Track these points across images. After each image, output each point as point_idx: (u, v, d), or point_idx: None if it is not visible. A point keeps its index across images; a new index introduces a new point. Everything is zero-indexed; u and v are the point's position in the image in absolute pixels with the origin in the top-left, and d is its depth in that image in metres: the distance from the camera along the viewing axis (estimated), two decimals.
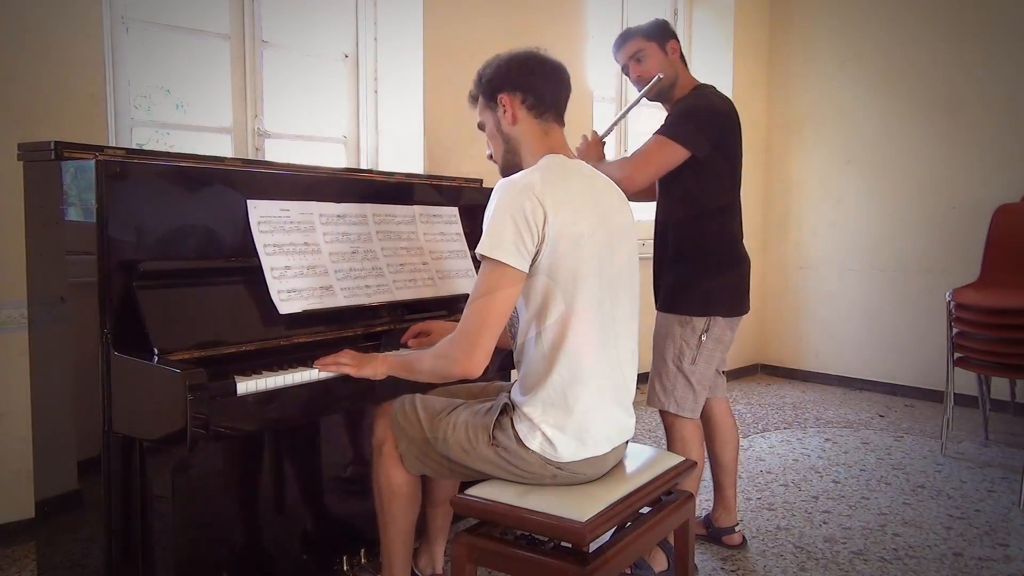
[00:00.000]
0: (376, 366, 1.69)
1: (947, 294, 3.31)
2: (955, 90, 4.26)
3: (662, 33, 2.26)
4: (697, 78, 2.32)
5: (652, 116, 2.41)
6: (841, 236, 4.78)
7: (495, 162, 1.78)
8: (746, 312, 2.29)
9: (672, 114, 2.22)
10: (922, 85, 4.39)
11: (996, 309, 3.11)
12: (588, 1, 4.02)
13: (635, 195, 2.34)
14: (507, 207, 1.52)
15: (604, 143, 2.31)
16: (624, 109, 2.39)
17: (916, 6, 4.39)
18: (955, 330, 3.25)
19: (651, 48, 2.24)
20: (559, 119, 1.72)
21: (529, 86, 1.67)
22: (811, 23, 4.87)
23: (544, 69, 1.70)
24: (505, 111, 1.69)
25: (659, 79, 2.23)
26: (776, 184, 5.07)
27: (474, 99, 1.76)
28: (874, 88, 4.58)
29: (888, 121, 4.54)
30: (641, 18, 4.57)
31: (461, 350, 1.54)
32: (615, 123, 2.41)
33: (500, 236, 1.51)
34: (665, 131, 2.15)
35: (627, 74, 2.33)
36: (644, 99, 2.33)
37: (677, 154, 2.12)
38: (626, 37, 2.29)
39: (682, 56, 2.30)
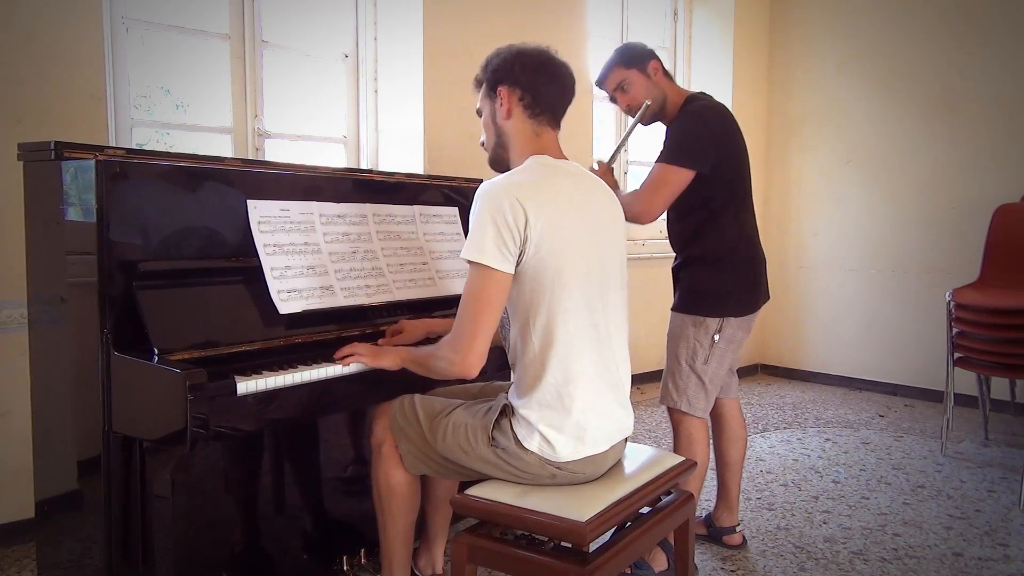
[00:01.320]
0: (391, 358, 1.76)
1: (947, 294, 3.31)
2: (954, 90, 4.26)
3: (640, 57, 2.27)
4: (695, 81, 2.33)
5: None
6: (841, 236, 4.79)
7: (486, 150, 1.79)
8: (763, 303, 2.32)
9: (669, 137, 2.23)
10: (922, 85, 4.39)
11: (996, 309, 3.11)
12: (588, 1, 4.02)
13: None
14: (487, 211, 1.53)
15: (613, 169, 2.34)
16: (623, 137, 2.42)
17: (915, 7, 4.39)
18: (955, 330, 3.25)
19: (632, 75, 2.25)
20: (554, 123, 1.72)
21: (529, 84, 1.67)
22: (811, 24, 4.87)
23: (548, 70, 1.69)
24: (501, 104, 1.70)
25: (646, 106, 2.25)
26: (776, 184, 5.08)
27: (478, 84, 1.76)
28: (874, 88, 4.58)
29: (888, 121, 4.54)
30: (641, 18, 4.61)
31: (456, 353, 1.57)
32: (619, 149, 2.43)
33: (482, 240, 1.52)
34: (666, 158, 2.16)
35: (615, 103, 2.34)
36: (640, 125, 2.34)
37: (683, 177, 2.13)
38: (606, 72, 2.30)
39: (666, 72, 2.30)
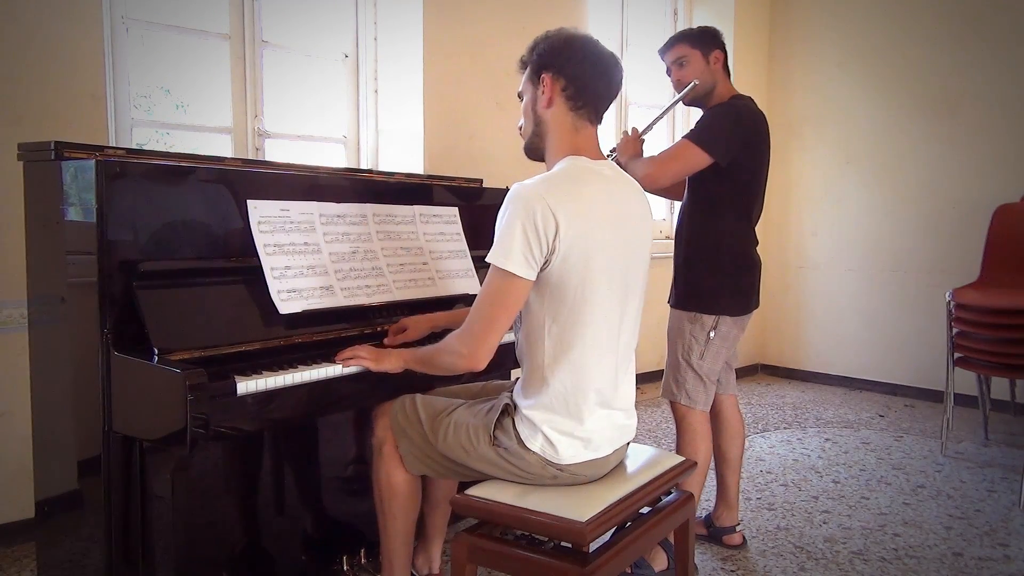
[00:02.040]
0: (394, 361, 1.74)
1: (947, 294, 3.31)
2: (954, 90, 4.26)
3: (707, 41, 2.31)
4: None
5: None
6: (841, 236, 4.79)
7: (522, 137, 1.74)
8: (755, 308, 2.36)
9: (701, 120, 2.28)
10: (921, 85, 4.39)
11: (996, 309, 3.11)
12: (588, 1, 4.02)
13: (664, 192, 2.49)
14: (519, 216, 1.50)
15: (643, 140, 2.38)
16: (662, 111, 2.46)
17: (915, 7, 4.39)
18: (955, 330, 3.25)
19: (694, 55, 2.29)
20: (594, 118, 1.66)
21: (575, 76, 1.62)
22: (811, 24, 4.87)
23: (599, 64, 1.64)
24: (543, 92, 1.64)
25: (694, 85, 2.29)
26: (776, 184, 5.03)
27: (523, 65, 1.71)
28: (873, 88, 4.58)
29: (887, 121, 4.54)
30: (641, 18, 4.61)
31: (467, 347, 1.56)
32: (655, 122, 2.47)
33: (510, 246, 1.49)
34: (691, 136, 2.21)
35: (669, 75, 2.39)
36: (681, 103, 2.38)
37: (699, 158, 2.18)
38: (672, 42, 2.35)
39: (726, 66, 2.35)
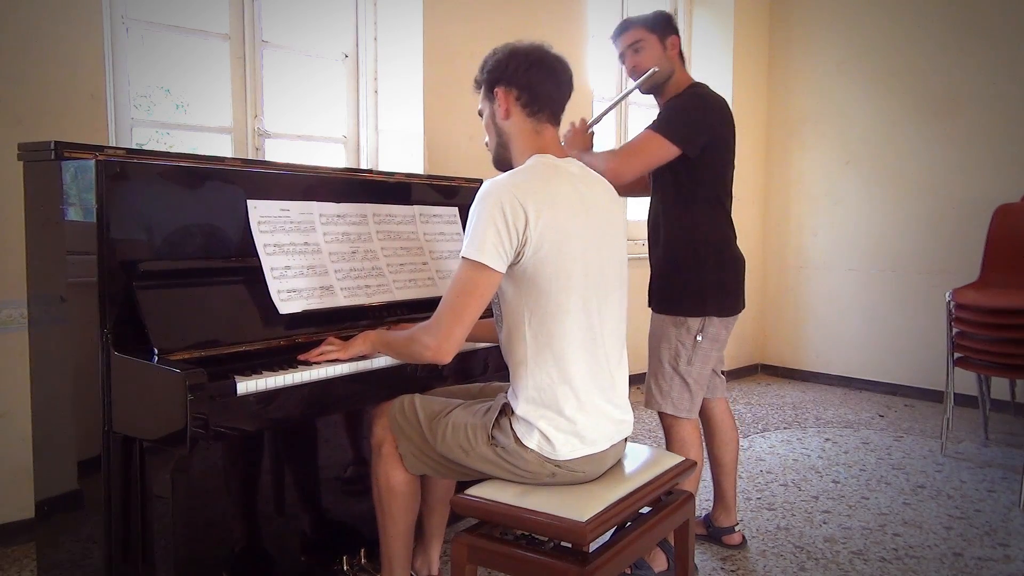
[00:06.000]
0: (360, 344, 1.78)
1: (947, 294, 3.31)
2: (954, 90, 4.26)
3: (663, 27, 2.22)
4: (695, 77, 2.30)
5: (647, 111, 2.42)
6: (841, 236, 4.79)
7: (489, 151, 1.80)
8: (741, 310, 2.27)
9: (665, 110, 2.20)
10: (922, 85, 4.39)
11: (996, 309, 3.11)
12: (588, 1, 4.02)
13: (628, 189, 2.35)
14: (489, 210, 1.54)
15: (592, 132, 2.29)
16: (615, 100, 2.35)
17: (916, 7, 4.39)
18: (955, 330, 3.25)
19: (650, 40, 2.21)
20: (554, 120, 1.72)
21: (525, 83, 1.67)
22: (811, 24, 4.87)
23: (544, 68, 1.69)
24: (499, 105, 1.70)
25: (653, 72, 2.19)
26: (776, 184, 5.08)
27: (477, 85, 1.77)
28: (873, 88, 4.58)
29: (887, 121, 4.54)
30: None
31: (433, 339, 1.58)
32: (604, 113, 2.38)
33: (482, 239, 1.53)
34: (657, 127, 2.12)
35: (623, 62, 2.29)
36: (637, 91, 2.30)
37: (667, 151, 2.09)
38: (627, 26, 2.25)
39: (681, 53, 2.27)
